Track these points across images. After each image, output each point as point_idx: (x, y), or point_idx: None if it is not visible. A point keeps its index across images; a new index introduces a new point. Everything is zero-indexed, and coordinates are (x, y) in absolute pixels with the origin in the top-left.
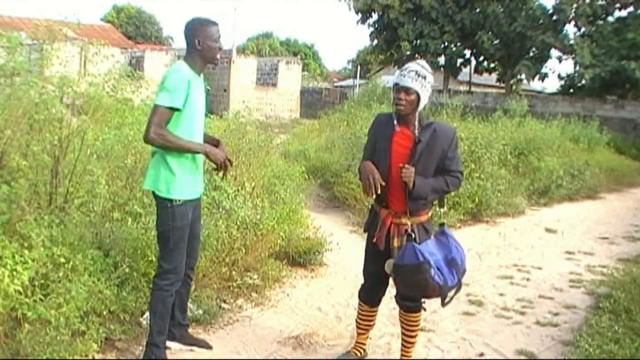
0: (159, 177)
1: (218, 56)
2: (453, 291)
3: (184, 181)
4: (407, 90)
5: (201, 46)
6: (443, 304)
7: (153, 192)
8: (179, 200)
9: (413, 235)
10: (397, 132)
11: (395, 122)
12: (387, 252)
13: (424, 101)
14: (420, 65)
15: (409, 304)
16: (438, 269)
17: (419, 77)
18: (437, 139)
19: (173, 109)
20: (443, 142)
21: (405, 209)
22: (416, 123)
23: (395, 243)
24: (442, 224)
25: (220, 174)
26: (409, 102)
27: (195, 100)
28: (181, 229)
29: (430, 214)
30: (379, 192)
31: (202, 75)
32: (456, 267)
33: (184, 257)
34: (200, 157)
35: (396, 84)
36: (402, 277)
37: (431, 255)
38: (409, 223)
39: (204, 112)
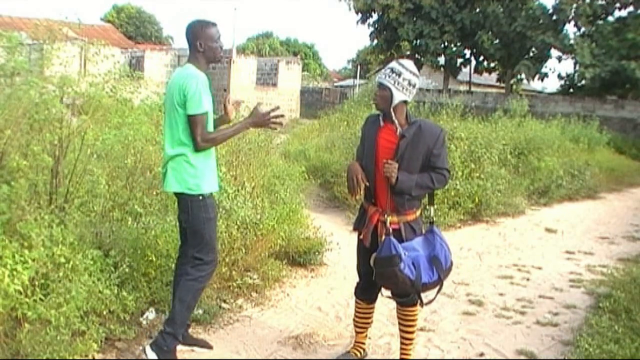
0: (186, 177)
1: (220, 56)
2: (435, 290)
3: (209, 176)
4: (381, 86)
5: (203, 48)
6: (422, 303)
7: (181, 193)
8: (209, 193)
9: (400, 233)
10: (383, 128)
11: (381, 119)
12: (375, 249)
13: (398, 97)
14: (398, 63)
15: (402, 299)
16: (414, 264)
17: (393, 74)
18: (422, 135)
19: (206, 113)
20: (428, 139)
21: (392, 206)
22: (403, 120)
23: (386, 234)
24: (431, 222)
25: (278, 120)
26: (382, 98)
27: (209, 102)
28: (214, 219)
29: (418, 213)
30: (361, 192)
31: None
32: (438, 266)
33: (217, 246)
34: (214, 153)
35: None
36: (378, 269)
37: (412, 251)
38: (396, 221)
39: (212, 109)
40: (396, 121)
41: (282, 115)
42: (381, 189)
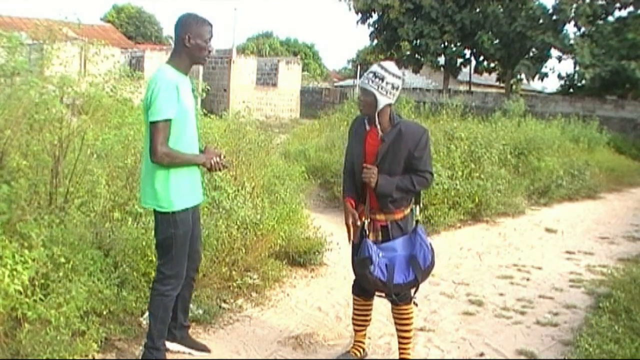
0: (157, 193)
1: (206, 57)
2: (412, 289)
3: (183, 189)
4: (364, 91)
5: (190, 44)
6: (399, 302)
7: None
8: (182, 209)
9: (387, 231)
10: (369, 132)
11: (366, 123)
12: None
13: (382, 101)
14: (381, 66)
15: (395, 297)
16: (387, 265)
17: (376, 78)
18: (402, 139)
19: (170, 120)
20: (409, 143)
21: (378, 206)
22: (387, 123)
23: (371, 237)
24: (416, 222)
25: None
26: (366, 103)
27: (185, 104)
28: (183, 235)
29: (406, 212)
30: (356, 240)
31: (188, 74)
32: (415, 266)
33: (185, 261)
34: None
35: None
36: (354, 269)
37: (391, 251)
38: (384, 219)
39: (194, 112)
40: (379, 126)
41: (225, 167)
42: (370, 190)
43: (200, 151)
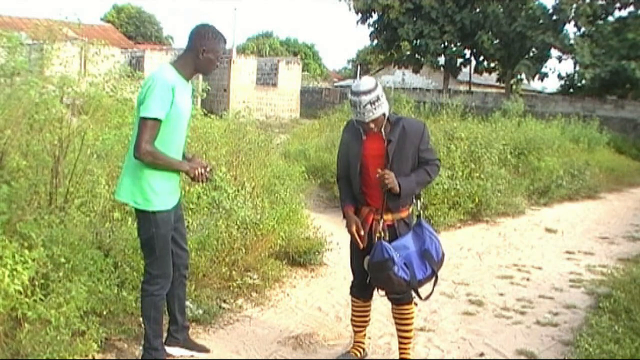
0: (135, 189)
1: (210, 71)
2: (430, 283)
3: (163, 191)
4: (375, 120)
5: (204, 57)
6: (421, 298)
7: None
8: (162, 210)
9: (394, 230)
10: (367, 140)
11: (362, 131)
12: (369, 248)
13: (386, 111)
14: (366, 92)
15: (397, 297)
16: (406, 264)
17: (376, 102)
18: (406, 136)
19: (160, 120)
20: (413, 138)
21: (386, 207)
22: (386, 122)
23: (378, 238)
24: (418, 216)
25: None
26: (377, 123)
27: (179, 107)
28: (165, 235)
29: (410, 209)
30: (364, 245)
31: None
32: (430, 259)
33: (170, 260)
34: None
35: (360, 121)
36: (372, 273)
37: (404, 249)
38: (391, 219)
39: (188, 118)
40: (383, 132)
41: (209, 180)
42: (374, 191)
43: (183, 158)
